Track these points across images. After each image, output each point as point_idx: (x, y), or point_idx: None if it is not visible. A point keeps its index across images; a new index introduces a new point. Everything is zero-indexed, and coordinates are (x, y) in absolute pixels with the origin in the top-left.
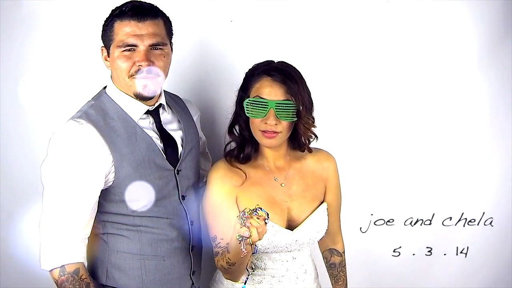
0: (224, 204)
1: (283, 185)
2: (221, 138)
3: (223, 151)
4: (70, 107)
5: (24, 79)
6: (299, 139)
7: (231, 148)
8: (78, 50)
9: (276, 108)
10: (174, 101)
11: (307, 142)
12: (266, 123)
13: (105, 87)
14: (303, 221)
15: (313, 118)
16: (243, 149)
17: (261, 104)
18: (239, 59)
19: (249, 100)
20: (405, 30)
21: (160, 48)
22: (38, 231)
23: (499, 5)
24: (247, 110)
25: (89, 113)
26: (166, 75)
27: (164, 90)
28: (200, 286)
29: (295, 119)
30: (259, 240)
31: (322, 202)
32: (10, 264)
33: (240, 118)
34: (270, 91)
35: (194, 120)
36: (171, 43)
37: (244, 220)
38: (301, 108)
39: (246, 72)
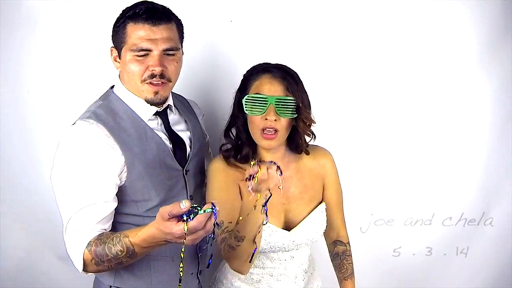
0: (230, 190)
1: (280, 187)
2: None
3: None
4: (71, 106)
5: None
6: (297, 140)
7: (227, 148)
8: (78, 50)
9: (276, 104)
10: (180, 102)
11: (305, 144)
12: (266, 119)
13: (112, 87)
14: (300, 222)
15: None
16: (240, 151)
17: (261, 100)
18: (239, 59)
19: (248, 96)
20: (405, 30)
21: (173, 53)
22: (64, 239)
23: (499, 5)
24: (246, 107)
25: (98, 113)
26: (176, 80)
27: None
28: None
29: (295, 115)
30: (266, 186)
31: (321, 202)
32: (11, 264)
33: (238, 120)
34: (270, 88)
35: (199, 120)
36: (182, 46)
37: (257, 164)
38: (300, 104)
39: (244, 74)
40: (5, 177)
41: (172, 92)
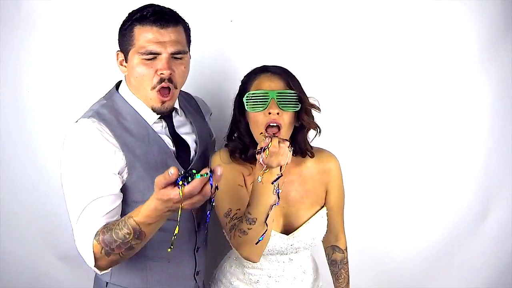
0: (236, 179)
1: (280, 190)
2: (220, 139)
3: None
4: (71, 106)
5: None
6: (299, 141)
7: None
8: (78, 49)
9: (277, 97)
10: (187, 101)
11: (309, 146)
12: (269, 114)
13: (117, 86)
14: (299, 227)
15: (318, 109)
16: (245, 152)
17: (262, 95)
18: (239, 59)
19: (248, 94)
20: (405, 30)
21: (181, 57)
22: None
23: (499, 5)
24: (247, 105)
25: (101, 112)
26: (182, 85)
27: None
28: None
29: (298, 107)
30: (277, 161)
31: (322, 207)
32: (11, 264)
33: (240, 124)
34: (270, 84)
35: (206, 119)
36: (189, 50)
37: (269, 136)
38: (302, 97)
39: (242, 80)
40: (5, 177)
41: (181, 90)
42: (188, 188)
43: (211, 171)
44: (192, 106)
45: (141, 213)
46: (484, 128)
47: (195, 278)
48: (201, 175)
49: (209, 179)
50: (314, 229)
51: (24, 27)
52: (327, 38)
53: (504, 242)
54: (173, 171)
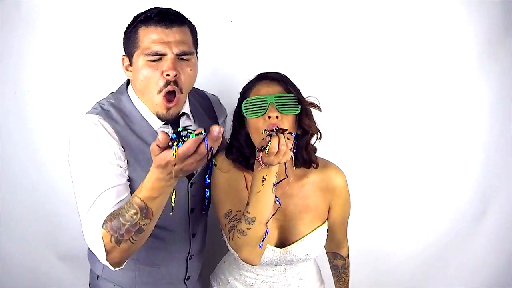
0: (239, 181)
1: (277, 200)
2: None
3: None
4: (71, 106)
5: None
6: (302, 151)
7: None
8: (78, 49)
9: (276, 101)
10: (199, 104)
11: (314, 156)
12: (269, 118)
13: (127, 84)
14: (295, 242)
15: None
16: (247, 161)
17: (260, 100)
18: (239, 59)
19: (247, 100)
20: (404, 30)
21: (187, 58)
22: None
23: (498, 5)
24: (246, 112)
25: (109, 111)
26: (189, 90)
27: (193, 87)
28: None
29: (298, 110)
30: (277, 160)
31: (324, 222)
32: (11, 264)
33: (240, 136)
34: (268, 90)
35: (219, 123)
36: (196, 52)
37: (270, 133)
38: (301, 99)
39: (240, 92)
40: (5, 177)
41: (194, 88)
42: (181, 148)
43: (205, 131)
44: (205, 109)
45: (144, 188)
46: (484, 128)
47: (185, 283)
48: (196, 135)
49: (203, 139)
50: (309, 246)
51: (24, 27)
52: (327, 38)
53: (503, 242)
54: (162, 136)
